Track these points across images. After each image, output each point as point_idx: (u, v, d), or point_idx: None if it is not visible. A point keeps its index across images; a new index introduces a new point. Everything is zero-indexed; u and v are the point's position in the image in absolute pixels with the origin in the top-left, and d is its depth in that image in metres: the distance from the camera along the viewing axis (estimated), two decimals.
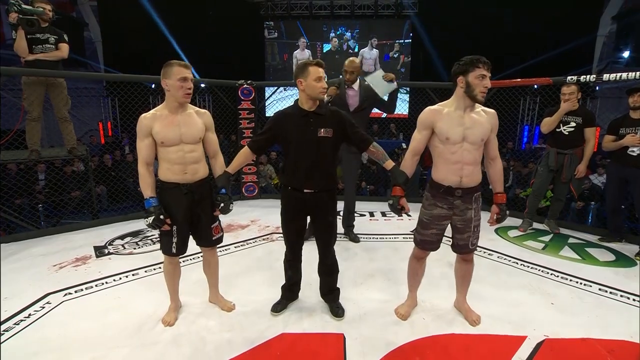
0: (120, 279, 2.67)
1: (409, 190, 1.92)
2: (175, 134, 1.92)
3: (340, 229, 3.29)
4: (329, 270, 2.23)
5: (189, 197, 1.99)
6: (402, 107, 10.44)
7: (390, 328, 2.09)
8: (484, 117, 1.88)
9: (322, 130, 1.94)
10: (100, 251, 3.20)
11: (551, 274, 2.80)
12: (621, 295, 2.49)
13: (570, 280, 2.70)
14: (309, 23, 10.44)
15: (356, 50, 10.65)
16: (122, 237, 3.55)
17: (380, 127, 8.77)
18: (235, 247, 3.26)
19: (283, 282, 2.30)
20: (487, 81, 1.79)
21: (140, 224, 3.89)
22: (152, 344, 1.94)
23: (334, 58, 10.53)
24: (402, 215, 1.94)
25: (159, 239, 2.20)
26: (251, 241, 3.41)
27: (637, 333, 2.05)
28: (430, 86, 4.90)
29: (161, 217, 1.90)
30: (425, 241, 2.05)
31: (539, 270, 2.87)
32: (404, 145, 7.42)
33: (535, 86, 5.21)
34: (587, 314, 2.26)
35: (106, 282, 2.61)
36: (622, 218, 3.50)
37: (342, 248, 3.22)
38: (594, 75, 3.65)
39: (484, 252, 3.20)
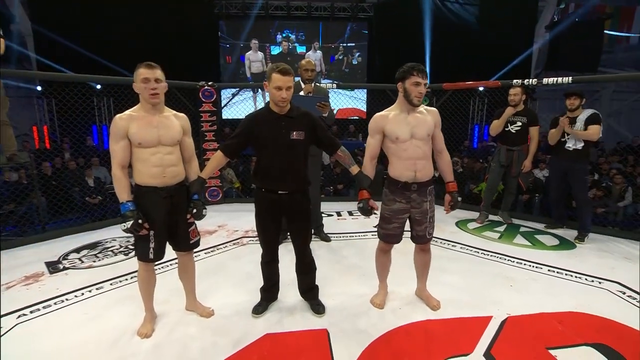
0: (84, 294, 2.54)
1: (374, 190, 2.08)
2: (153, 136, 1.92)
3: None
4: (307, 268, 2.32)
5: (167, 201, 1.99)
6: (360, 107, 10.86)
7: (369, 319, 2.23)
8: (427, 115, 2.12)
9: (294, 132, 2.02)
10: (53, 267, 3.01)
11: (508, 260, 3.12)
12: (566, 274, 2.87)
13: (524, 264, 3.05)
14: (256, 25, 10.35)
15: (303, 51, 10.85)
16: (77, 250, 3.36)
17: (339, 128, 9.01)
18: (205, 253, 3.24)
19: (260, 284, 2.35)
20: (422, 88, 2.01)
21: (97, 235, 3.71)
22: (132, 356, 1.90)
23: (285, 60, 10.82)
24: (370, 216, 2.10)
25: (133, 245, 2.14)
26: (221, 246, 3.40)
27: (581, 305, 2.39)
28: (384, 88, 5.15)
29: (139, 221, 1.88)
30: (388, 235, 2.23)
31: (497, 257, 3.19)
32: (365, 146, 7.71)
33: (482, 88, 5.70)
34: (540, 292, 2.58)
35: (67, 299, 2.47)
36: (563, 207, 3.97)
37: (314, 247, 3.24)
38: (535, 80, 4.13)
39: (448, 244, 3.48)
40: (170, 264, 2.88)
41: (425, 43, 9.91)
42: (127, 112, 1.94)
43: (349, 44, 10.79)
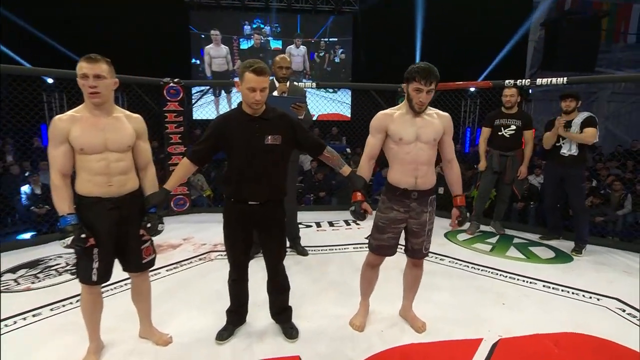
0: (16, 322, 2.35)
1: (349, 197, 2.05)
2: (99, 140, 1.82)
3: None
4: (279, 288, 2.25)
5: (114, 214, 1.89)
6: (344, 110, 10.81)
7: (347, 343, 2.18)
8: (436, 119, 2.09)
9: (269, 137, 1.96)
10: None
11: (500, 275, 3.13)
12: (562, 290, 2.88)
13: (517, 279, 3.06)
14: (219, 14, 9.81)
15: (279, 47, 10.35)
16: (13, 270, 3.17)
17: (321, 131, 8.99)
18: (167, 270, 3.13)
19: (227, 305, 2.27)
20: (423, 95, 1.96)
21: (40, 251, 3.54)
22: None
23: (255, 55, 10.02)
24: (364, 220, 2.04)
25: (75, 265, 2.03)
26: (185, 262, 3.30)
27: (578, 324, 2.39)
28: (372, 88, 5.16)
29: (82, 236, 1.78)
30: (381, 246, 2.19)
31: (489, 272, 3.20)
32: (348, 150, 7.71)
33: (472, 89, 5.77)
34: (534, 310, 2.58)
35: None
36: (559, 216, 4.03)
37: (290, 262, 3.23)
38: (529, 80, 4.20)
39: (436, 258, 3.47)
40: (123, 285, 2.75)
41: (417, 38, 10.00)
42: (69, 112, 1.84)
43: (330, 39, 10.58)
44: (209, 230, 4.09)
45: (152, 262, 2.11)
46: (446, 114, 2.14)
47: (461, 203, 2.17)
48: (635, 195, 5.35)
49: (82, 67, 1.77)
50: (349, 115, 10.53)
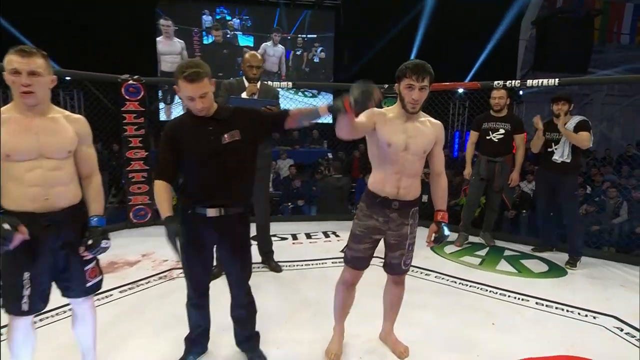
0: None
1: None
2: (31, 145, 1.68)
3: (257, 257, 3.28)
4: (244, 312, 2.15)
5: (52, 232, 1.75)
6: (326, 120, 10.67)
7: None
8: (429, 128, 2.03)
9: (225, 136, 1.88)
10: None
11: (490, 291, 3.10)
12: (556, 308, 2.86)
13: (509, 296, 3.03)
14: (178, 2, 8.92)
15: (249, 45, 9.42)
16: None
17: (301, 134, 8.89)
18: (120, 291, 2.98)
19: (187, 331, 2.16)
20: (416, 93, 1.88)
21: None
22: None
23: (219, 52, 9.29)
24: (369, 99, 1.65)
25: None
26: (143, 282, 3.15)
27: (573, 345, 2.36)
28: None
29: (5, 226, 1.57)
30: (356, 258, 2.11)
31: (478, 288, 3.16)
32: (329, 155, 7.65)
33: (461, 90, 5.81)
34: (527, 330, 2.54)
35: None
36: (552, 226, 4.03)
37: (261, 280, 3.17)
38: (519, 81, 4.22)
39: (421, 273, 3.42)
40: (64, 311, 2.56)
41: (406, 35, 9.93)
42: None
43: (309, 36, 10.19)
44: None
45: (98, 285, 1.97)
46: (438, 122, 2.09)
47: (442, 219, 2.10)
48: (631, 202, 5.43)
49: (13, 61, 1.63)
50: (331, 120, 10.42)
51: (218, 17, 9.07)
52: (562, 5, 10.60)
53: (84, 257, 1.85)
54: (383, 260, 2.19)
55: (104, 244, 1.84)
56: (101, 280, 1.99)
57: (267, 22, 9.91)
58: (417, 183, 2.07)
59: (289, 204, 6.07)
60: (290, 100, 7.67)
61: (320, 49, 10.32)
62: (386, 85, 4.83)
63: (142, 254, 3.72)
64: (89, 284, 1.91)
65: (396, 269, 2.16)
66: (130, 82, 4.34)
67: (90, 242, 1.80)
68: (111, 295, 2.90)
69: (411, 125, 1.98)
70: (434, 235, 2.09)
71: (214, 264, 2.15)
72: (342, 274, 2.22)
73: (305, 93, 10.10)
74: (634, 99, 12.24)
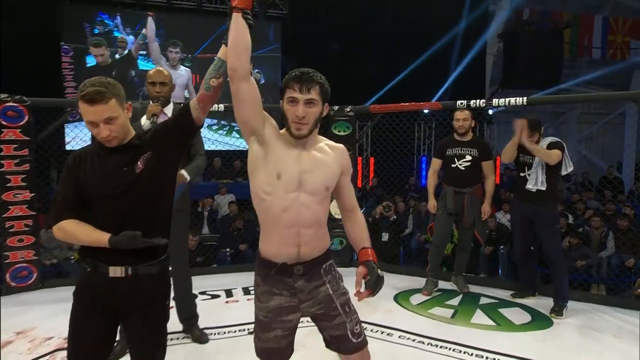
0: None
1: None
2: None
3: (176, 325, 2.99)
4: None
5: None
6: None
7: None
8: (330, 155, 1.80)
9: (138, 163, 1.71)
10: None
11: (464, 352, 2.95)
12: None
13: (486, 357, 2.88)
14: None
15: (147, 66, 8.70)
16: None
17: (223, 164, 8.26)
18: None
19: None
20: (300, 108, 1.65)
21: None
22: None
23: (108, 75, 9.24)
24: None
25: None
26: None
27: None
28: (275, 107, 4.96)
29: None
30: (269, 350, 1.81)
31: (450, 349, 3.00)
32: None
33: (426, 110, 5.87)
34: None
35: None
36: (532, 265, 3.97)
37: (179, 356, 2.87)
38: (484, 100, 4.25)
39: (381, 333, 3.23)
40: None
41: (364, 50, 10.15)
42: None
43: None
44: (64, 315, 3.52)
45: None
46: (341, 145, 1.88)
47: (367, 257, 1.84)
48: (617, 232, 5.51)
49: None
50: None
51: (96, 31, 8.25)
52: (528, 17, 11.22)
53: None
54: (323, 337, 1.89)
55: None
56: None
57: (173, 32, 9.05)
58: (324, 234, 1.83)
59: (228, 249, 5.79)
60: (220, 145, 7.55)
61: (256, 70, 9.54)
62: (336, 107, 4.76)
63: (18, 330, 3.25)
64: None
65: (344, 342, 1.83)
66: (10, 104, 3.90)
67: None
68: None
69: (307, 155, 1.74)
70: (363, 282, 1.81)
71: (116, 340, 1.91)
72: None
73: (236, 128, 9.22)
74: (611, 117, 12.96)
